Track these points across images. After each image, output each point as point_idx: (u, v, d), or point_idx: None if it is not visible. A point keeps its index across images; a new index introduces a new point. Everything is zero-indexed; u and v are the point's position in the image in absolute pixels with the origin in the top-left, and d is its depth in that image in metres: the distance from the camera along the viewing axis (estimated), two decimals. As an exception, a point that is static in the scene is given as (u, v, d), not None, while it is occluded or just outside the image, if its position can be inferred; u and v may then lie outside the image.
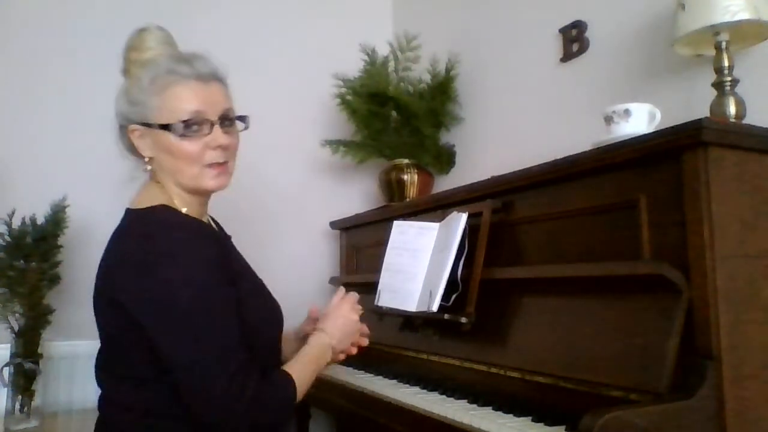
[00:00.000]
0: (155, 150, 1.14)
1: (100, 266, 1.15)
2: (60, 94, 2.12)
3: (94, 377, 1.18)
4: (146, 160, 1.16)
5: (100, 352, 1.17)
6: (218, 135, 1.13)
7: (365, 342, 1.37)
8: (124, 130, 1.17)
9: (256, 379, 1.04)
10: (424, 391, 1.45)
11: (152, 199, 1.13)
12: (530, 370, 1.30)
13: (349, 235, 2.39)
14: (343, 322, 1.28)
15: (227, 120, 1.17)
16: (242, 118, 1.22)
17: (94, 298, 1.15)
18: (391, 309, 1.69)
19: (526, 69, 2.07)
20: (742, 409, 1.04)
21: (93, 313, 1.15)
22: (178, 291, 1.02)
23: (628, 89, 1.70)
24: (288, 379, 1.11)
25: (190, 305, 1.02)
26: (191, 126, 1.11)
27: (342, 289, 1.37)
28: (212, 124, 1.13)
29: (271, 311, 1.23)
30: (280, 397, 1.08)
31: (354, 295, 1.33)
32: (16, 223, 1.85)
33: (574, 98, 1.88)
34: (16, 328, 1.83)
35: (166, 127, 1.11)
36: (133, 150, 1.18)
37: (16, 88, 2.06)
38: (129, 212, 1.16)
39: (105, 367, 1.15)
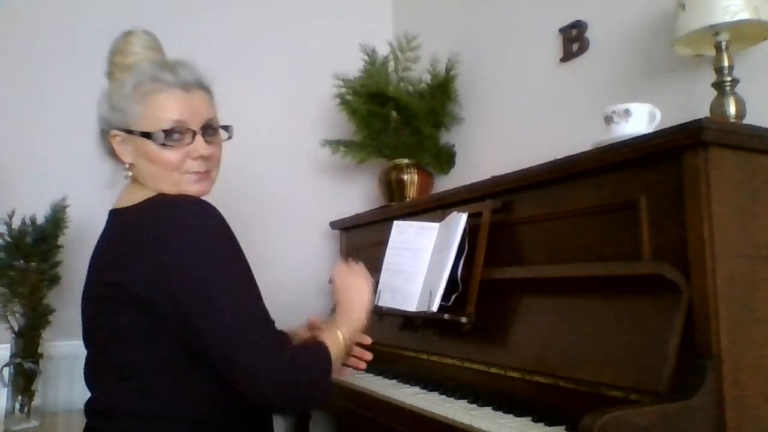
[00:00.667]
0: (136, 156, 1.14)
1: (99, 268, 1.13)
2: (60, 95, 2.12)
3: (85, 382, 1.15)
4: (126, 166, 1.15)
5: (95, 355, 1.14)
6: (200, 145, 1.13)
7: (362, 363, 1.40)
8: (105, 134, 1.17)
9: (290, 343, 1.06)
10: (424, 391, 1.45)
11: (141, 196, 1.13)
12: (530, 370, 1.30)
13: (349, 235, 2.39)
14: (358, 293, 1.25)
15: (210, 129, 1.16)
16: (226, 128, 1.22)
17: (92, 300, 1.13)
18: (391, 309, 1.69)
19: (526, 69, 2.07)
20: (742, 409, 1.04)
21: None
22: (211, 269, 1.02)
23: (628, 89, 1.70)
24: (321, 345, 1.10)
25: (226, 279, 1.02)
26: (173, 135, 1.11)
27: (340, 265, 1.32)
28: (194, 134, 1.13)
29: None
30: (319, 359, 1.08)
31: (357, 265, 1.30)
32: (16, 223, 1.85)
33: (574, 98, 1.87)
34: (16, 328, 1.83)
35: (147, 135, 1.10)
36: (113, 155, 1.17)
37: (16, 88, 2.06)
38: (121, 212, 1.15)
39: (104, 372, 1.12)
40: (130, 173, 1.16)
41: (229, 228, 1.09)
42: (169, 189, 1.13)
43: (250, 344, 1.01)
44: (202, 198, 1.13)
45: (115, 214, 1.17)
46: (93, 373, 1.15)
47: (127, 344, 1.07)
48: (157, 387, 1.06)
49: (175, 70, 1.13)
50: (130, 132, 1.12)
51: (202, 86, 1.16)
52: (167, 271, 1.01)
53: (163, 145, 1.10)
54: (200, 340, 1.02)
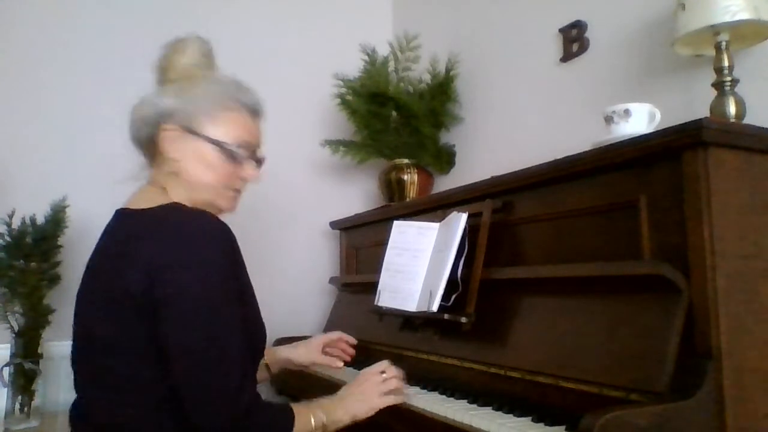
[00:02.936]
0: (185, 155, 1.14)
1: (101, 268, 1.11)
2: (60, 95, 2.12)
3: (75, 386, 1.13)
4: (173, 160, 1.14)
5: (89, 361, 1.10)
6: (251, 169, 1.19)
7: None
8: (151, 125, 1.15)
9: (257, 395, 1.07)
10: (424, 391, 1.45)
11: (156, 200, 1.12)
12: (530, 370, 1.30)
13: (349, 235, 2.39)
14: (366, 395, 1.26)
15: (260, 157, 1.22)
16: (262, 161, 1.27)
17: (91, 303, 1.10)
18: (391, 309, 1.69)
19: (526, 69, 2.07)
20: (742, 409, 1.04)
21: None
22: (201, 300, 1.02)
23: (628, 89, 1.70)
24: (288, 413, 1.11)
25: (212, 313, 1.02)
26: (239, 152, 1.16)
27: (384, 362, 1.33)
28: (249, 158, 1.18)
29: (261, 338, 1.21)
30: (277, 425, 1.10)
31: (393, 373, 1.31)
32: (16, 223, 1.85)
33: (574, 98, 1.88)
34: (16, 328, 1.83)
35: (217, 143, 1.14)
36: (149, 146, 1.17)
37: (16, 88, 2.06)
38: (132, 213, 1.13)
39: (99, 380, 1.08)
40: (175, 169, 1.15)
41: (237, 252, 1.10)
42: (201, 197, 1.15)
43: (211, 384, 1.01)
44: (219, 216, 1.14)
45: (125, 215, 1.15)
46: (86, 380, 1.12)
47: (125, 354, 1.04)
48: (155, 401, 1.04)
49: (253, 94, 1.19)
50: (193, 132, 1.13)
51: (262, 116, 1.23)
52: (162, 287, 1.01)
53: (228, 157, 1.15)
54: (169, 361, 1.02)
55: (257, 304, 1.18)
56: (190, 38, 1.20)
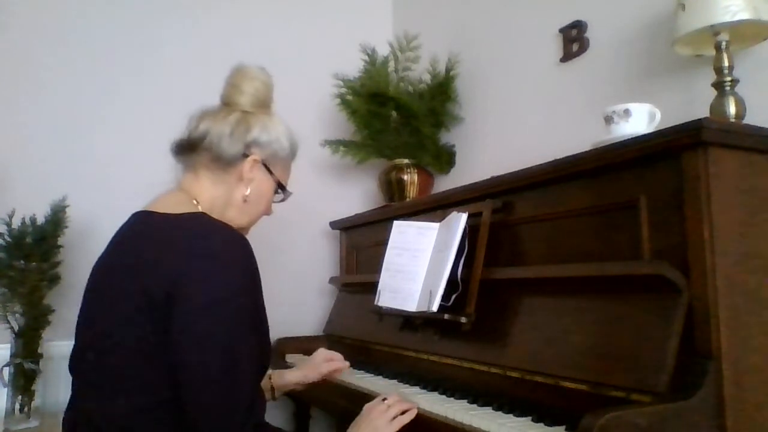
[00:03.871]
0: (251, 183, 1.23)
1: (122, 268, 1.09)
2: (60, 95, 2.12)
3: (79, 388, 1.12)
4: (247, 178, 1.22)
5: (101, 363, 1.07)
6: (272, 207, 1.33)
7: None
8: (245, 147, 1.21)
9: (261, 414, 1.07)
10: (424, 391, 1.45)
11: (183, 207, 1.13)
12: (530, 370, 1.30)
13: (349, 235, 2.39)
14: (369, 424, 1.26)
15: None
16: None
17: (111, 303, 1.08)
18: (391, 309, 1.69)
19: (526, 69, 2.07)
20: (742, 409, 1.04)
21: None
22: (233, 307, 1.03)
23: (628, 89, 1.70)
24: None
25: (240, 320, 1.03)
26: (286, 195, 1.33)
27: (378, 400, 1.32)
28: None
29: (267, 358, 1.20)
30: None
31: (392, 406, 1.30)
32: (16, 223, 1.85)
33: (574, 98, 1.88)
34: (16, 328, 1.83)
35: (280, 185, 1.29)
36: (224, 162, 1.20)
37: (16, 88, 2.06)
38: (161, 216, 1.12)
39: (111, 384, 1.05)
40: (247, 191, 1.23)
41: (257, 269, 1.11)
42: (240, 219, 1.24)
43: (222, 402, 1.01)
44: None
45: (150, 217, 1.14)
46: (89, 381, 1.10)
47: (132, 354, 1.03)
48: (156, 402, 1.03)
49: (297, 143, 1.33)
50: (268, 169, 1.25)
51: None
52: (184, 298, 1.01)
53: (276, 196, 1.30)
54: (178, 369, 1.01)
55: (267, 322, 1.17)
56: (260, 69, 1.33)
